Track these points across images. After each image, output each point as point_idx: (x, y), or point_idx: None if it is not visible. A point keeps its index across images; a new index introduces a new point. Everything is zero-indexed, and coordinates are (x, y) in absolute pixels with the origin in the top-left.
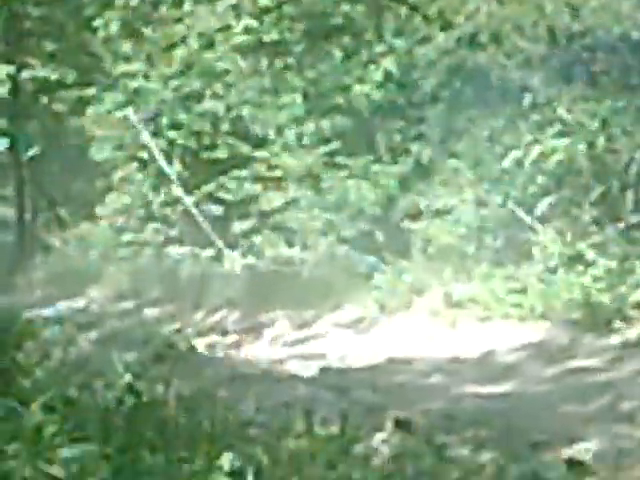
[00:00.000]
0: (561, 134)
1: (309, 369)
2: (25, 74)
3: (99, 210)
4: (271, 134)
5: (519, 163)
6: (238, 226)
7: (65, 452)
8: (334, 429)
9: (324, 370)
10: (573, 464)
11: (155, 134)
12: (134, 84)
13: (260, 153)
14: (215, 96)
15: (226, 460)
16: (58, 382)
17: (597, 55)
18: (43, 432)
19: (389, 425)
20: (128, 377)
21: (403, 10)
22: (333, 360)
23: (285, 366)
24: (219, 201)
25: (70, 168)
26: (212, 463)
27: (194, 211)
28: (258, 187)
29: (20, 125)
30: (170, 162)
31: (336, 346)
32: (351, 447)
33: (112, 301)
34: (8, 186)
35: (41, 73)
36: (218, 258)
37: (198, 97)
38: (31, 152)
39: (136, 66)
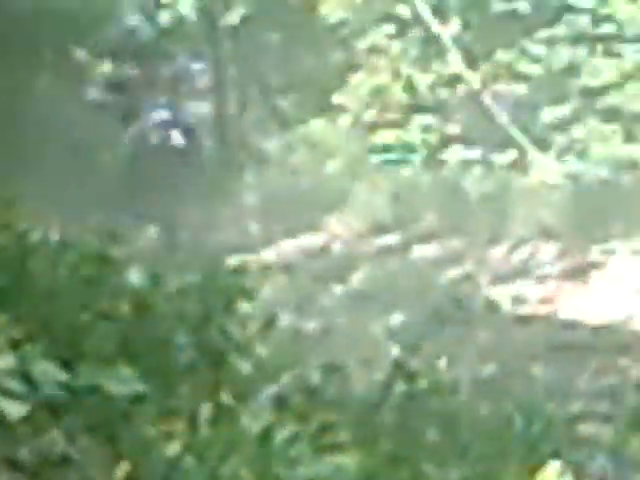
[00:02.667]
0: None
1: None
2: None
3: (337, 98)
4: None
5: None
6: (550, 114)
7: (305, 470)
8: None
9: None
10: None
11: None
12: None
13: None
14: None
15: (552, 474)
16: (290, 365)
17: None
18: (272, 438)
19: None
20: (395, 351)
21: None
22: None
23: (634, 325)
24: (520, 77)
25: (291, 35)
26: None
27: (483, 94)
28: (580, 51)
29: None
30: (443, 20)
31: None
32: None
33: (364, 237)
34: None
35: None
36: (522, 165)
37: None
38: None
39: None
